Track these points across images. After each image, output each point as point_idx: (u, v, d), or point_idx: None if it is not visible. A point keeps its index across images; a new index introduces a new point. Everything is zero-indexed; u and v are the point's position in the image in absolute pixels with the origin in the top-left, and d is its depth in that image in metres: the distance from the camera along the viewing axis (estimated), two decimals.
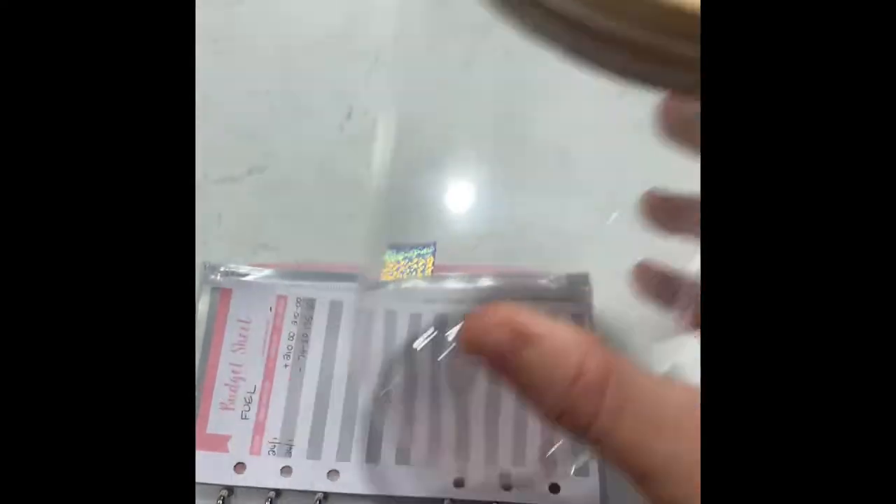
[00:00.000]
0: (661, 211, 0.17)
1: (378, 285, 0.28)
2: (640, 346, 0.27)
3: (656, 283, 0.16)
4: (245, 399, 0.26)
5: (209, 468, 0.24)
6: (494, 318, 0.15)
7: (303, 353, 0.27)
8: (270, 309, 0.27)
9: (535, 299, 0.27)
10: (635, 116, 0.32)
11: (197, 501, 0.24)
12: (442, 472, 0.25)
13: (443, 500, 0.24)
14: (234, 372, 0.26)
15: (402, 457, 0.25)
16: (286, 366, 0.26)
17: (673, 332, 0.20)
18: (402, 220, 0.30)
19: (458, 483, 0.25)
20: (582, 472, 0.25)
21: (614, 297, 0.28)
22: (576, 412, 0.15)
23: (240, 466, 0.25)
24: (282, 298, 0.27)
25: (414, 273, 0.28)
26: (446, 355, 0.25)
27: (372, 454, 0.25)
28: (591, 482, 0.25)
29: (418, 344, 0.20)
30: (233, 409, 0.26)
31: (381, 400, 0.25)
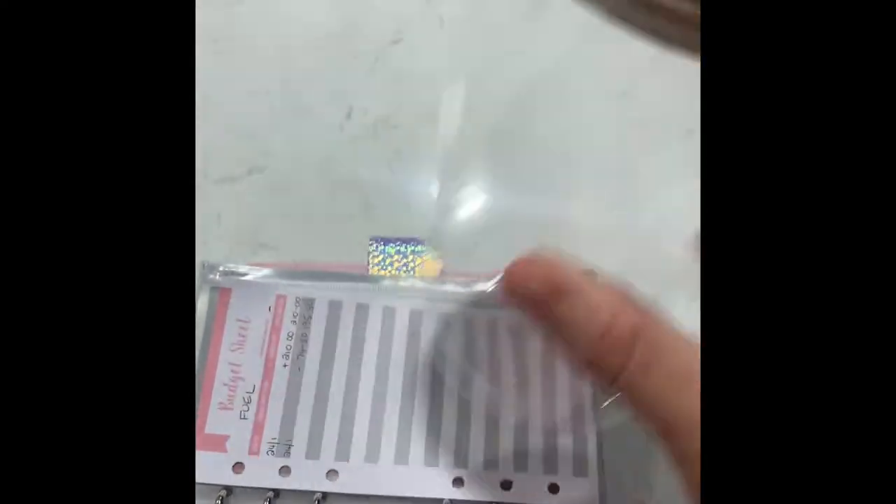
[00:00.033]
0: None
1: (371, 279, 0.28)
2: None
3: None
4: (244, 399, 0.26)
5: (207, 468, 0.24)
6: (533, 268, 0.17)
7: (302, 352, 0.27)
8: (269, 308, 0.27)
9: None
10: (635, 116, 0.32)
11: (195, 501, 0.24)
12: (442, 472, 0.25)
13: (442, 500, 0.24)
14: (232, 371, 0.26)
15: (402, 457, 0.25)
16: (285, 365, 0.26)
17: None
18: (402, 220, 0.30)
19: (458, 483, 0.25)
20: (582, 470, 0.25)
21: None
22: (603, 364, 0.16)
23: (238, 466, 0.25)
24: (281, 298, 0.27)
25: (411, 272, 0.28)
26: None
27: (371, 454, 0.25)
28: (591, 482, 0.24)
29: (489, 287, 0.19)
30: (231, 409, 0.26)
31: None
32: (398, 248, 0.29)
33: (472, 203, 0.30)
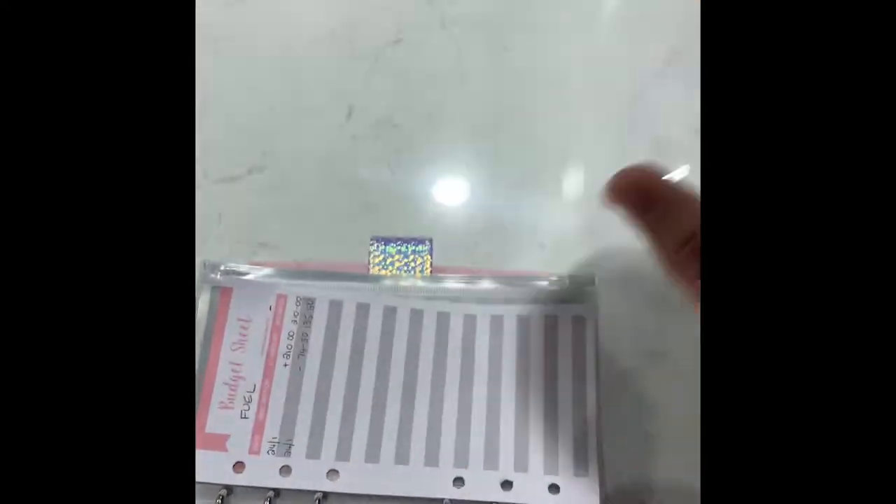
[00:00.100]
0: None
1: (371, 279, 0.28)
2: (644, 334, 0.27)
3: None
4: (244, 398, 0.26)
5: (208, 467, 0.24)
6: (631, 178, 0.19)
7: (303, 352, 0.27)
8: (270, 308, 0.27)
9: (536, 301, 0.27)
10: (635, 117, 0.32)
11: (196, 501, 0.24)
12: (442, 472, 0.25)
13: (442, 500, 0.24)
14: (233, 371, 0.26)
15: (402, 457, 0.25)
16: (286, 365, 0.26)
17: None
18: (402, 220, 0.30)
19: (458, 483, 0.25)
20: (582, 470, 0.25)
21: (616, 298, 0.28)
22: (681, 271, 0.18)
23: (239, 466, 0.25)
24: (282, 297, 0.27)
25: (412, 271, 0.28)
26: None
27: (371, 454, 0.25)
28: (591, 482, 0.24)
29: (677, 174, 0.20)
30: (232, 409, 0.26)
31: None
32: (399, 247, 0.29)
33: (472, 203, 0.30)
